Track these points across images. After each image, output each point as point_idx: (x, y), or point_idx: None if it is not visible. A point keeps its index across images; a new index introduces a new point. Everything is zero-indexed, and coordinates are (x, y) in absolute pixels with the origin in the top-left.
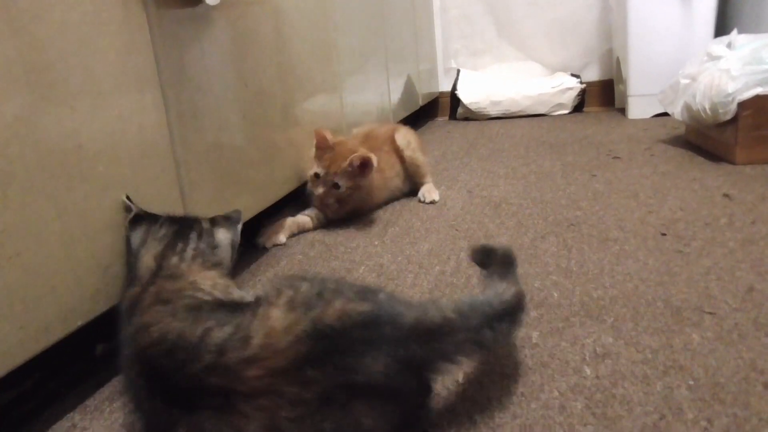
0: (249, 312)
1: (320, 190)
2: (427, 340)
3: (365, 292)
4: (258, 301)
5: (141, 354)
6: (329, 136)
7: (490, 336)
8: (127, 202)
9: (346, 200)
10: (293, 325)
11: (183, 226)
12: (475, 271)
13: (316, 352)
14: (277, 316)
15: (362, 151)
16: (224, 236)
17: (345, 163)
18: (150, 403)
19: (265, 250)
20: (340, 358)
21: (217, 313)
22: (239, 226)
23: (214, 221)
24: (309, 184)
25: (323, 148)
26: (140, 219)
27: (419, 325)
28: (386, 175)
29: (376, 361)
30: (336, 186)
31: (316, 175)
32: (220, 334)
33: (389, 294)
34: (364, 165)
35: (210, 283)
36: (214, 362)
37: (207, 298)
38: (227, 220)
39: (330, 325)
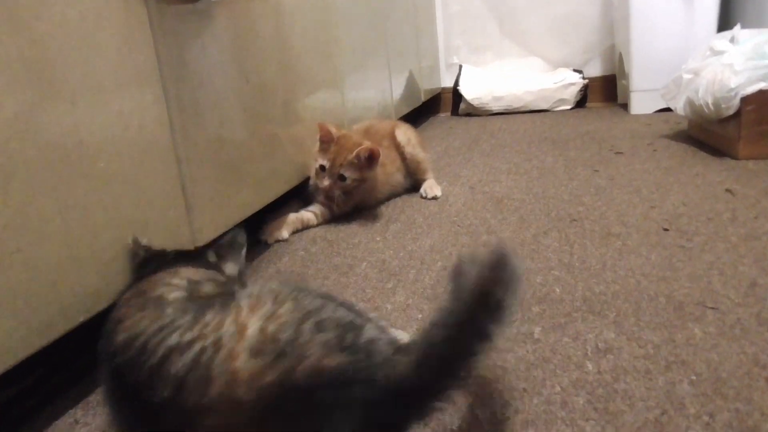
0: (214, 330)
1: (326, 182)
2: (402, 404)
3: (347, 333)
4: (229, 308)
5: (111, 357)
6: (333, 129)
7: (468, 376)
8: (133, 246)
9: (351, 193)
10: (258, 377)
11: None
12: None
13: (279, 411)
14: (242, 357)
15: (368, 144)
16: (233, 269)
17: (351, 155)
18: (119, 413)
19: (267, 245)
20: (305, 419)
21: (185, 315)
22: (244, 251)
23: (220, 254)
24: (313, 178)
25: (327, 141)
26: (148, 261)
27: (396, 388)
28: (387, 170)
29: (343, 425)
30: (342, 178)
31: (322, 168)
32: (182, 362)
33: (375, 334)
34: (371, 157)
35: (192, 271)
36: (171, 399)
37: (181, 283)
38: (231, 247)
39: (298, 384)
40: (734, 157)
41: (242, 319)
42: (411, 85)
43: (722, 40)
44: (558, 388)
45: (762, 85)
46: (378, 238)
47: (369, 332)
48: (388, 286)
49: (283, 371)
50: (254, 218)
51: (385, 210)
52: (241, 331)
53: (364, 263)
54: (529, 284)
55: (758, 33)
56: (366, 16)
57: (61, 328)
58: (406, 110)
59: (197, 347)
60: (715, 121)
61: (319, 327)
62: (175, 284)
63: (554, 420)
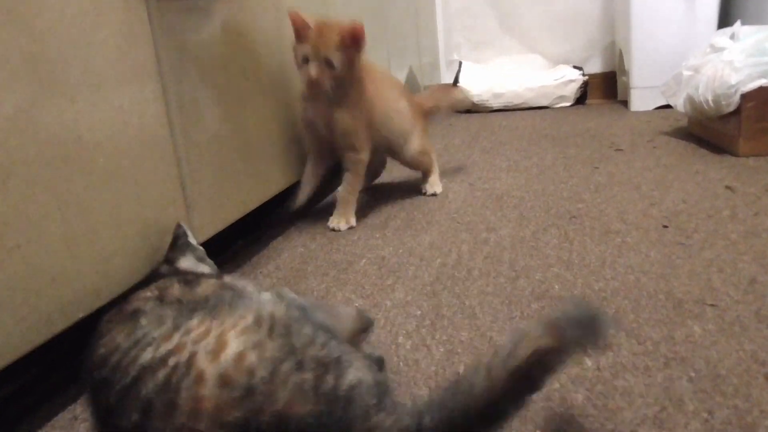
0: (194, 342)
1: (314, 71)
2: None
3: (328, 374)
4: (218, 312)
5: (89, 375)
6: (307, 16)
7: None
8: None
9: (342, 84)
10: (223, 411)
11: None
12: (476, 263)
13: None
14: (210, 383)
15: (348, 22)
16: (187, 262)
17: (335, 37)
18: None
19: (265, 244)
20: None
21: (162, 325)
22: (188, 239)
23: (169, 258)
24: (301, 80)
25: (303, 28)
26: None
27: None
28: (390, 104)
29: None
30: (329, 63)
31: (305, 60)
32: (153, 382)
33: (360, 376)
34: (355, 36)
35: (166, 280)
36: (139, 425)
37: (153, 293)
38: (174, 246)
39: (263, 429)
40: (734, 154)
41: (226, 336)
42: (411, 81)
43: (723, 37)
44: (557, 385)
45: (762, 82)
46: (377, 235)
47: (353, 374)
48: (388, 283)
49: (251, 411)
50: (255, 214)
51: (385, 206)
52: (219, 350)
53: (364, 260)
54: (528, 281)
55: (759, 30)
56: (366, 13)
57: (60, 324)
58: None
59: (172, 362)
60: (716, 118)
61: (299, 366)
62: (147, 296)
63: (553, 417)
